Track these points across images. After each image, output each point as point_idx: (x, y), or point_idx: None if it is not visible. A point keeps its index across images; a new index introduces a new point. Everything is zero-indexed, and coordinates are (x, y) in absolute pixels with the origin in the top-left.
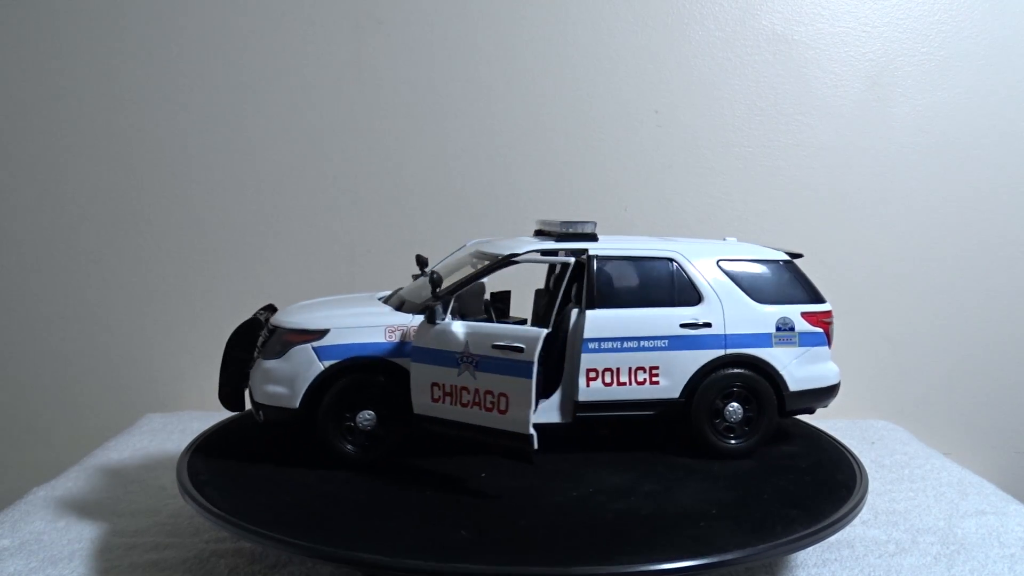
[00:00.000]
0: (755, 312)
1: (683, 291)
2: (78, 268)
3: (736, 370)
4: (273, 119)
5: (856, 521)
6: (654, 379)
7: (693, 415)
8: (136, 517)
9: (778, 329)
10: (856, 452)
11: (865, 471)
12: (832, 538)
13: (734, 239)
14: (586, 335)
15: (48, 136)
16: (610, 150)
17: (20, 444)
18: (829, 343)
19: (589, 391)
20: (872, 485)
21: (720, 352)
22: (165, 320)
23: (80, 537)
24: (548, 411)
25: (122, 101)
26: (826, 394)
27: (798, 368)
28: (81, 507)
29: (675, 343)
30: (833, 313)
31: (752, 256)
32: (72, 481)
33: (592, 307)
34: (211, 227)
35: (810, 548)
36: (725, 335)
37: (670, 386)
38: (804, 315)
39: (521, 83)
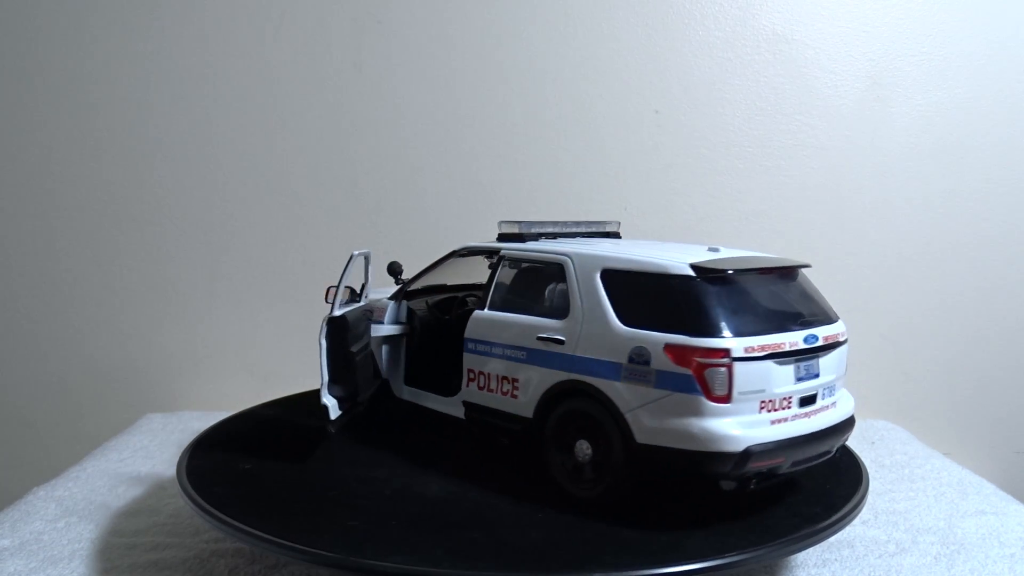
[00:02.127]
0: (613, 335)
1: (560, 300)
2: (78, 268)
3: (581, 401)
4: (274, 120)
5: (856, 521)
6: (514, 392)
7: (544, 442)
8: (136, 517)
9: (630, 360)
10: (856, 452)
11: (866, 471)
12: (832, 538)
13: (719, 249)
14: (467, 334)
15: (48, 135)
16: (610, 150)
17: (20, 444)
18: (709, 393)
19: (468, 392)
20: (872, 485)
21: (565, 375)
22: (166, 320)
23: (80, 537)
24: (454, 405)
25: (122, 101)
26: (702, 463)
27: (650, 416)
28: (81, 507)
29: (532, 356)
30: (729, 354)
31: (644, 267)
32: (72, 481)
33: (483, 307)
34: (211, 227)
35: (810, 548)
36: (573, 356)
37: (526, 403)
38: (667, 348)
39: (521, 83)
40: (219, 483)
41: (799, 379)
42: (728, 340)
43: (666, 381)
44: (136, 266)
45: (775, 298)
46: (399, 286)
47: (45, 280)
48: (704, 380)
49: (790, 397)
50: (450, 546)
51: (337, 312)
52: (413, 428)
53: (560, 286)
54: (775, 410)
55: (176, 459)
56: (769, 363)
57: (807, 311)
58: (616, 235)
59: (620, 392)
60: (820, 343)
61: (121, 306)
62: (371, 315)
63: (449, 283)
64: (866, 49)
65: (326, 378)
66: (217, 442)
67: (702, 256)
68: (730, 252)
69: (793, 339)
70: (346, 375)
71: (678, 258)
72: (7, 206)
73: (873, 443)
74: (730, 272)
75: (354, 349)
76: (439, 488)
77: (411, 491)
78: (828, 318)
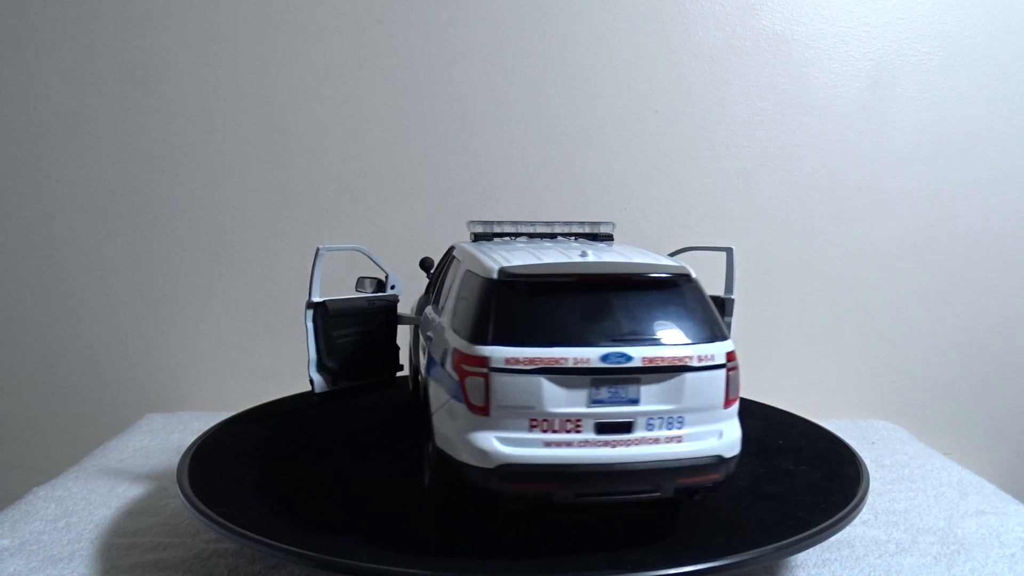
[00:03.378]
0: (442, 335)
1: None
2: (78, 268)
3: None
4: (274, 120)
5: (856, 521)
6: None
7: None
8: (136, 517)
9: (440, 362)
10: (856, 452)
11: (866, 470)
12: (832, 538)
13: (587, 253)
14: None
15: (48, 134)
16: (610, 150)
17: (20, 444)
18: (468, 403)
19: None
20: (872, 485)
21: (423, 372)
22: (166, 320)
23: (80, 537)
24: None
25: (122, 101)
26: (465, 474)
27: (439, 420)
28: (81, 507)
29: (428, 352)
30: (487, 363)
31: (477, 270)
32: (72, 481)
33: (427, 302)
34: (212, 227)
35: (810, 548)
36: (428, 352)
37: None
38: (453, 352)
39: (521, 84)
40: (219, 485)
41: (596, 401)
42: (487, 348)
43: (449, 386)
44: (136, 266)
45: (598, 309)
46: (429, 280)
47: (45, 280)
48: (465, 388)
49: (579, 420)
50: (450, 547)
51: (316, 298)
52: (416, 426)
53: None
54: (552, 431)
55: (176, 459)
56: (540, 378)
57: (640, 328)
58: (607, 237)
59: (431, 392)
60: (633, 364)
61: (121, 306)
62: (389, 306)
63: None
64: (866, 49)
65: (312, 356)
66: (217, 443)
67: (549, 259)
68: (598, 256)
69: (582, 355)
70: (328, 356)
71: (514, 262)
72: (7, 206)
73: (873, 443)
74: (527, 278)
75: (335, 334)
76: (439, 489)
77: (411, 491)
78: (678, 339)
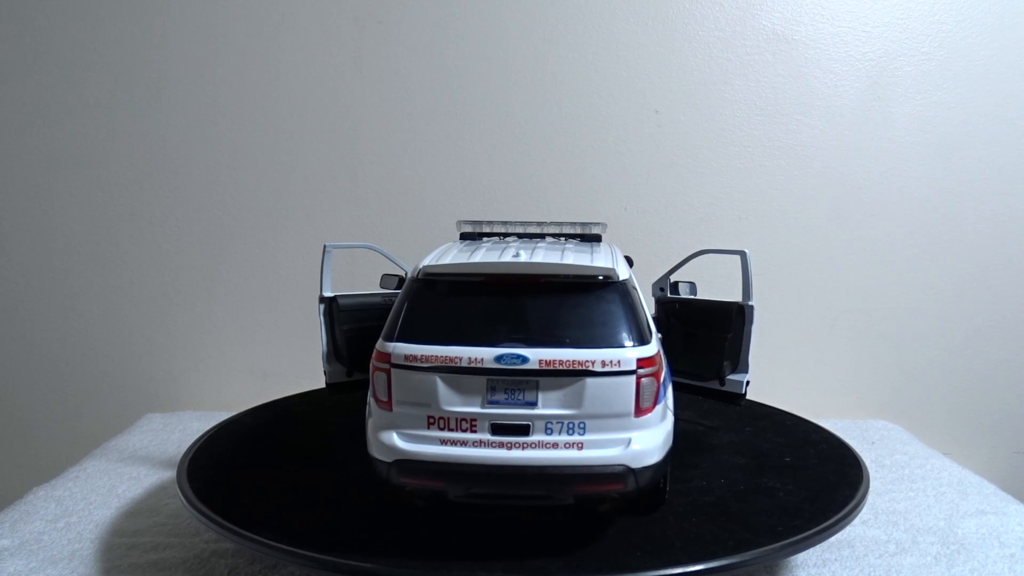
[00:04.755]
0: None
1: None
2: (78, 268)
3: None
4: (274, 119)
5: (856, 521)
6: None
7: None
8: (136, 517)
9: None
10: (856, 452)
11: (866, 470)
12: (832, 538)
13: (520, 255)
14: None
15: (49, 135)
16: (610, 150)
17: (20, 444)
18: (376, 397)
19: None
20: (872, 485)
21: None
22: (166, 320)
23: (80, 537)
24: None
25: (123, 101)
26: (374, 467)
27: (367, 416)
28: (81, 507)
29: None
30: (389, 359)
31: (414, 270)
32: (72, 481)
33: None
34: (212, 227)
35: (810, 548)
36: None
37: None
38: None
39: (521, 84)
40: (219, 485)
41: (492, 402)
42: (391, 345)
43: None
44: (136, 266)
45: (505, 310)
46: None
47: (45, 280)
48: (373, 383)
49: (474, 420)
50: (450, 547)
51: (326, 293)
52: None
53: None
54: (448, 430)
55: (176, 459)
56: (435, 376)
57: (544, 330)
58: (596, 238)
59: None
60: (528, 367)
61: (121, 306)
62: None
63: None
64: (866, 49)
65: (324, 348)
66: (217, 443)
67: (482, 259)
68: (537, 257)
69: (476, 355)
70: (339, 348)
71: (445, 260)
72: (8, 206)
73: (873, 443)
74: (441, 277)
75: (345, 327)
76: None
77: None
78: (582, 342)
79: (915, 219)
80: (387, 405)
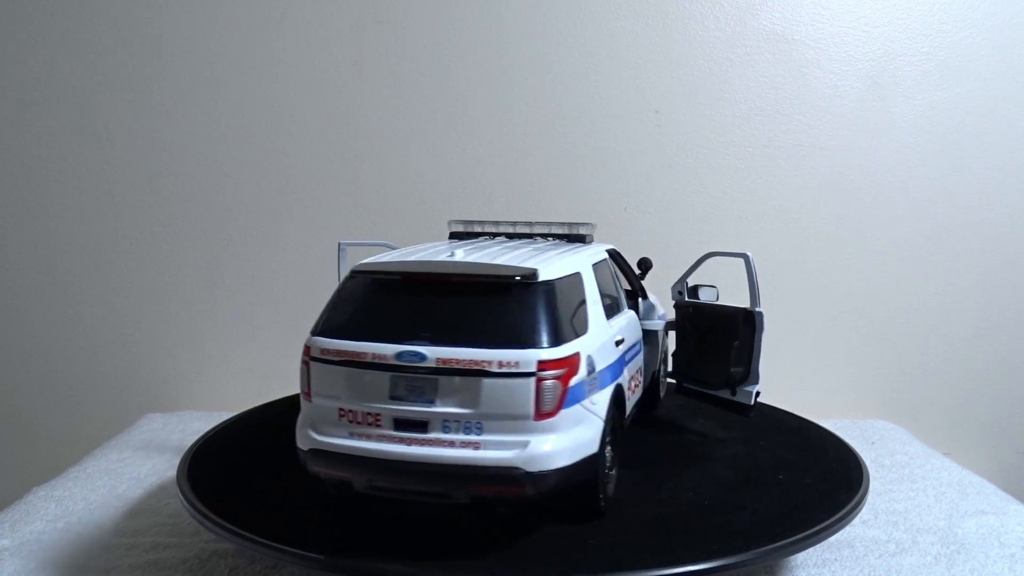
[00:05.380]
0: None
1: None
2: (78, 268)
3: None
4: (274, 120)
5: (856, 521)
6: None
7: None
8: (136, 517)
9: None
10: (856, 452)
11: (866, 470)
12: (832, 538)
13: (454, 254)
14: None
15: (49, 135)
16: (610, 150)
17: (20, 444)
18: (302, 389)
19: None
20: (872, 485)
21: None
22: (166, 320)
23: (80, 537)
24: None
25: (123, 101)
26: (299, 457)
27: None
28: (81, 507)
29: None
30: (309, 352)
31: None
32: (72, 481)
33: None
34: (212, 227)
35: (810, 548)
36: None
37: None
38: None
39: (521, 83)
40: (219, 485)
41: (394, 398)
42: (312, 339)
43: None
44: (137, 266)
45: (416, 308)
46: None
47: (45, 280)
48: (300, 375)
49: (379, 415)
50: (450, 547)
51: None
52: None
53: None
54: (356, 423)
55: (176, 459)
56: (344, 370)
57: (450, 328)
58: (580, 238)
59: None
60: (426, 364)
61: (122, 306)
62: None
63: None
64: (866, 49)
65: None
66: (217, 443)
67: (419, 258)
68: (476, 257)
69: (380, 351)
70: None
71: (384, 259)
72: (8, 206)
73: (873, 443)
74: (365, 275)
75: None
76: None
77: None
78: (483, 342)
79: (915, 219)
80: (308, 396)
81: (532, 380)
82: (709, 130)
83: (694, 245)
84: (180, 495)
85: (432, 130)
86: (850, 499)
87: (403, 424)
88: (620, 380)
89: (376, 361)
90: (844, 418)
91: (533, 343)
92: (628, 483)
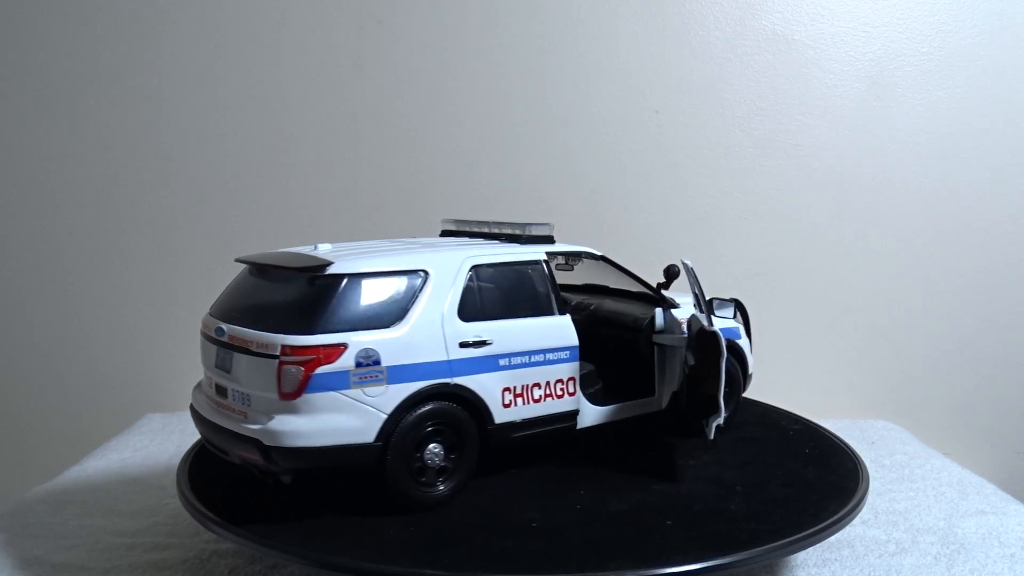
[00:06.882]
0: None
1: None
2: (78, 268)
3: None
4: (274, 119)
5: (856, 521)
6: None
7: None
8: (136, 517)
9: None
10: (856, 452)
11: (866, 470)
12: (832, 538)
13: (316, 247)
14: None
15: (49, 134)
16: (610, 150)
17: (20, 444)
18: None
19: None
20: (872, 485)
21: None
22: (166, 320)
23: (80, 537)
24: None
25: (123, 100)
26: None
27: None
28: (81, 507)
29: None
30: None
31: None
32: (72, 481)
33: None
34: (212, 227)
35: (810, 548)
36: None
37: None
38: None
39: (521, 83)
40: (219, 485)
41: (217, 366)
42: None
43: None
44: (136, 266)
45: (248, 292)
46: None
47: (45, 280)
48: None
49: (211, 378)
50: (450, 547)
51: None
52: None
53: None
54: (203, 386)
55: (176, 459)
56: (204, 341)
57: (255, 310)
58: (547, 239)
59: None
60: (224, 339)
61: (121, 306)
62: None
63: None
64: (866, 49)
65: None
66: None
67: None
68: (336, 252)
69: (209, 325)
70: None
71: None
72: (7, 205)
73: (873, 443)
74: (242, 263)
75: None
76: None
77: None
78: (256, 324)
79: (915, 219)
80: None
81: (275, 362)
82: (709, 130)
83: (694, 245)
84: (180, 495)
85: (432, 130)
86: (850, 499)
87: (218, 389)
88: (464, 382)
89: (206, 333)
90: (844, 418)
91: (287, 330)
92: (625, 482)
